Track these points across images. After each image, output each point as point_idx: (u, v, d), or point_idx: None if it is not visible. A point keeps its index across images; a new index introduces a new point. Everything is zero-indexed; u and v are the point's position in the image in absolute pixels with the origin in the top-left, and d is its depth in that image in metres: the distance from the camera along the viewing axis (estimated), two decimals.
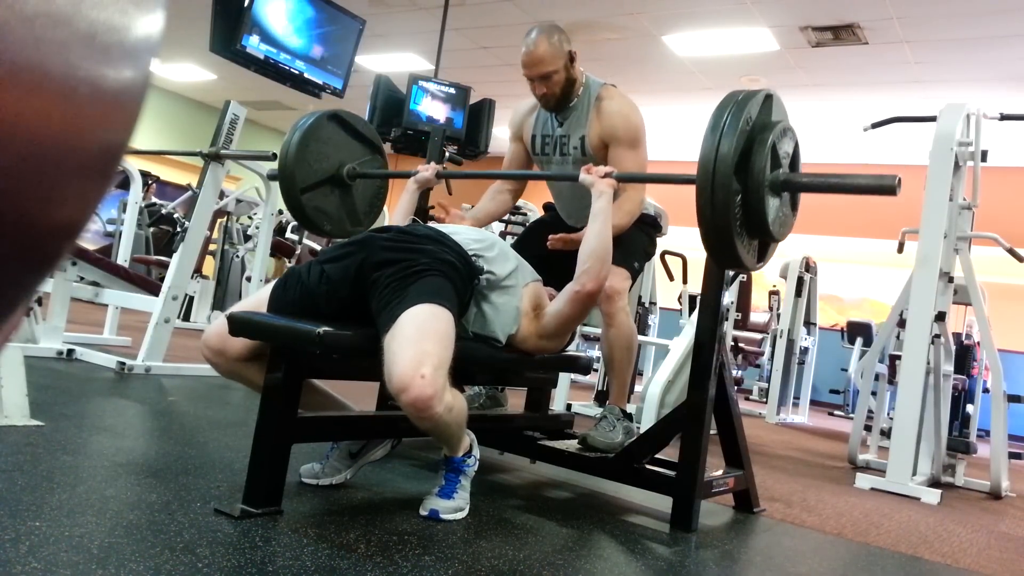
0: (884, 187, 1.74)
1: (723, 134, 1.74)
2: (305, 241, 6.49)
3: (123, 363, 3.35)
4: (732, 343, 6.67)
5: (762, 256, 1.95)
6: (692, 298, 5.60)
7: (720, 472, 2.28)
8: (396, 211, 2.44)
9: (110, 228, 7.40)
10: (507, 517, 1.89)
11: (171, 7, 0.32)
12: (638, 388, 4.45)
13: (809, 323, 6.51)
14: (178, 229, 4.99)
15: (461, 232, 2.00)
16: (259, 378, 1.73)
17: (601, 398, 4.49)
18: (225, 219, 6.78)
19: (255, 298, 1.93)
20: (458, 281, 1.82)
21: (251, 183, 6.35)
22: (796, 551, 2.03)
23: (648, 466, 2.19)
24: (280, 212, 5.05)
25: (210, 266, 6.83)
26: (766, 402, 6.34)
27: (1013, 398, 3.92)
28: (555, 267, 2.24)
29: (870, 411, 4.35)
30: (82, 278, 3.82)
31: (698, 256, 2.52)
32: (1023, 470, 4.85)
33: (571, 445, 2.34)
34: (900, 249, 4.14)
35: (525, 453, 2.42)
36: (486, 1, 6.29)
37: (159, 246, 7.08)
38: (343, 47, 4.26)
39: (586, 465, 2.26)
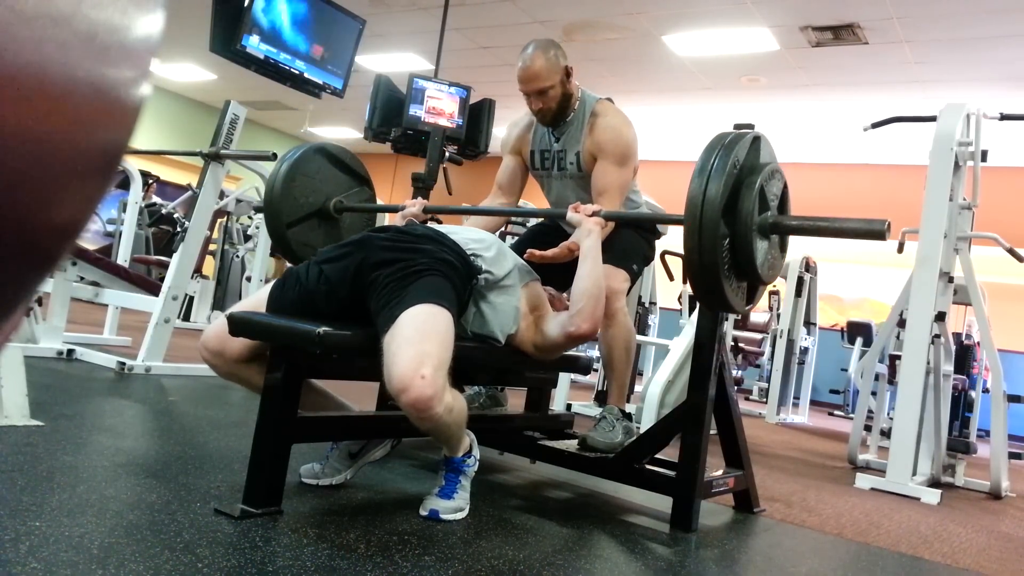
0: (873, 232, 1.73)
1: (711, 177, 1.74)
2: None
3: (123, 363, 3.35)
4: (732, 343, 6.68)
5: (751, 298, 1.95)
6: (692, 298, 5.60)
7: (720, 472, 2.28)
8: None
9: (110, 228, 7.40)
10: (507, 517, 1.89)
11: (171, 7, 0.32)
12: (638, 388, 4.46)
13: (809, 323, 6.52)
14: (178, 229, 4.99)
15: (459, 232, 2.00)
16: (258, 379, 1.73)
17: (601, 398, 4.49)
18: (225, 219, 6.79)
19: (254, 298, 1.93)
20: (457, 281, 1.82)
21: (251, 183, 6.36)
22: (796, 551, 2.03)
23: (648, 466, 2.19)
24: None
25: (210, 266, 6.84)
26: (766, 402, 6.34)
27: (1013, 398, 3.92)
28: (554, 267, 2.24)
29: (870, 411, 4.35)
30: (82, 278, 3.82)
31: None
32: (1023, 470, 4.85)
33: (571, 445, 2.34)
34: (900, 249, 4.14)
35: (525, 453, 2.42)
36: (486, 1, 6.29)
37: (159, 246, 7.08)
38: (343, 47, 4.26)
39: (586, 465, 2.26)
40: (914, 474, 3.36)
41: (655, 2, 5.92)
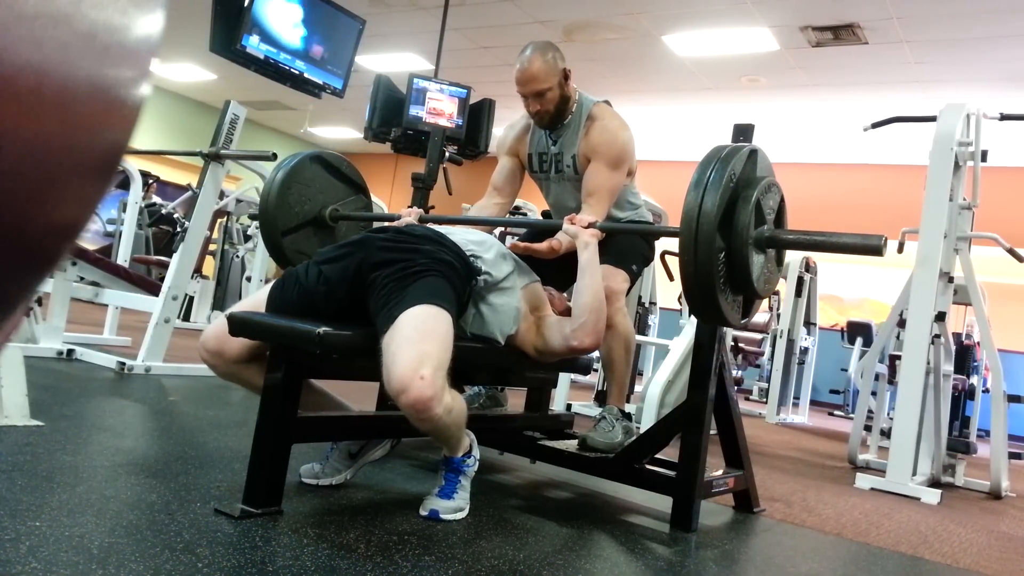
0: (870, 247, 1.72)
1: (706, 190, 1.73)
2: None
3: (123, 363, 3.35)
4: (732, 343, 6.68)
5: (747, 312, 1.95)
6: None
7: (720, 472, 2.28)
8: None
9: (110, 228, 7.40)
10: (507, 517, 1.89)
11: (171, 7, 0.32)
12: (638, 388, 4.46)
13: (809, 323, 6.52)
14: (178, 229, 4.99)
15: (459, 233, 2.00)
16: (257, 380, 1.73)
17: (601, 398, 4.49)
18: (225, 219, 6.78)
19: (253, 299, 1.93)
20: (456, 281, 1.82)
21: (251, 183, 6.35)
22: (796, 551, 2.03)
23: (648, 466, 2.19)
24: None
25: (210, 266, 6.84)
26: (766, 402, 6.34)
27: (1013, 398, 3.92)
28: (554, 268, 2.24)
29: (870, 411, 4.35)
30: (82, 278, 3.82)
31: None
32: (1023, 470, 4.86)
33: (571, 445, 2.34)
34: (900, 249, 4.14)
35: (525, 453, 2.42)
36: (486, 1, 6.29)
37: (159, 246, 7.09)
38: (343, 47, 4.26)
39: (586, 465, 2.26)
40: (914, 474, 3.36)
41: (655, 2, 5.92)
